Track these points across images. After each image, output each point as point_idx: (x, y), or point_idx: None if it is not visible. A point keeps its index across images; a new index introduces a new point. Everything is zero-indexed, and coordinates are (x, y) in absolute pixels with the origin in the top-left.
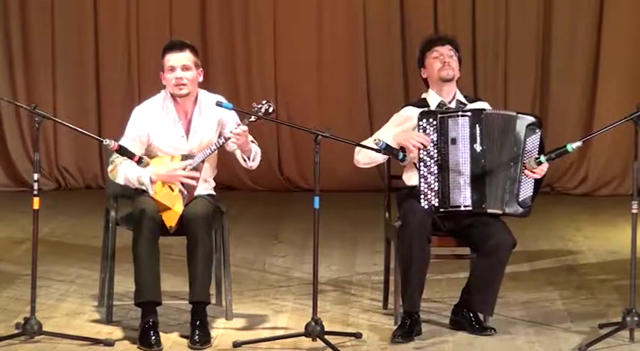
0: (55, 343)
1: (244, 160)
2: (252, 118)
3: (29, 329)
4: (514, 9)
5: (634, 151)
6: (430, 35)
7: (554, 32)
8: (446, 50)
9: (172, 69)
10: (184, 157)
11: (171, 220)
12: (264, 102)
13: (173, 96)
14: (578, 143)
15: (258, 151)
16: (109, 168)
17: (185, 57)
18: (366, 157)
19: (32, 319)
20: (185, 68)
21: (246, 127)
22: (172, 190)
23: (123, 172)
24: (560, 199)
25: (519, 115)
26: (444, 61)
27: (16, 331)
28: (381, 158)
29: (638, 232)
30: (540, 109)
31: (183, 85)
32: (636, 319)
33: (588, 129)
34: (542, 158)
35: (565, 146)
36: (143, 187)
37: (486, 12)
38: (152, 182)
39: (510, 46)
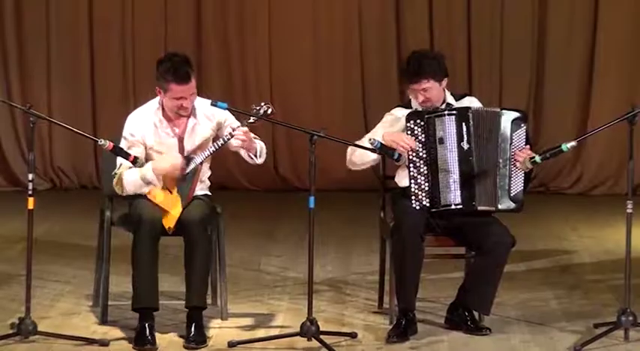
0: (50, 343)
1: (251, 158)
2: (251, 120)
3: (24, 329)
4: (509, 9)
5: (628, 151)
6: (409, 67)
7: (550, 32)
8: (421, 87)
9: (179, 99)
10: (184, 159)
11: (169, 222)
12: (262, 104)
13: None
14: (573, 143)
15: (263, 146)
16: (114, 181)
17: (191, 86)
18: (359, 158)
19: (27, 319)
20: (191, 95)
21: (246, 129)
22: (171, 192)
23: (126, 180)
24: (555, 199)
25: (503, 110)
26: (419, 100)
27: (11, 331)
28: (373, 159)
29: (632, 232)
30: (535, 109)
31: (186, 110)
32: (631, 318)
33: (583, 128)
34: (538, 158)
35: (560, 146)
36: (150, 186)
37: (482, 12)
38: (157, 177)
39: (506, 46)
